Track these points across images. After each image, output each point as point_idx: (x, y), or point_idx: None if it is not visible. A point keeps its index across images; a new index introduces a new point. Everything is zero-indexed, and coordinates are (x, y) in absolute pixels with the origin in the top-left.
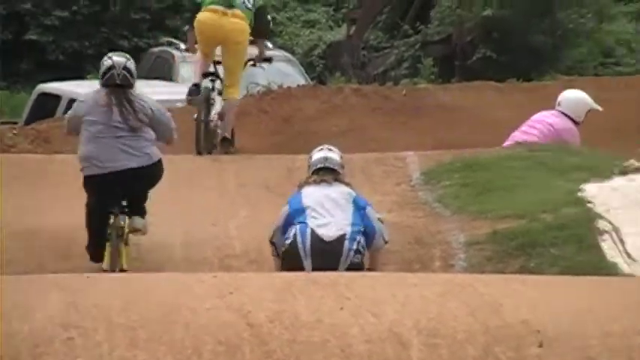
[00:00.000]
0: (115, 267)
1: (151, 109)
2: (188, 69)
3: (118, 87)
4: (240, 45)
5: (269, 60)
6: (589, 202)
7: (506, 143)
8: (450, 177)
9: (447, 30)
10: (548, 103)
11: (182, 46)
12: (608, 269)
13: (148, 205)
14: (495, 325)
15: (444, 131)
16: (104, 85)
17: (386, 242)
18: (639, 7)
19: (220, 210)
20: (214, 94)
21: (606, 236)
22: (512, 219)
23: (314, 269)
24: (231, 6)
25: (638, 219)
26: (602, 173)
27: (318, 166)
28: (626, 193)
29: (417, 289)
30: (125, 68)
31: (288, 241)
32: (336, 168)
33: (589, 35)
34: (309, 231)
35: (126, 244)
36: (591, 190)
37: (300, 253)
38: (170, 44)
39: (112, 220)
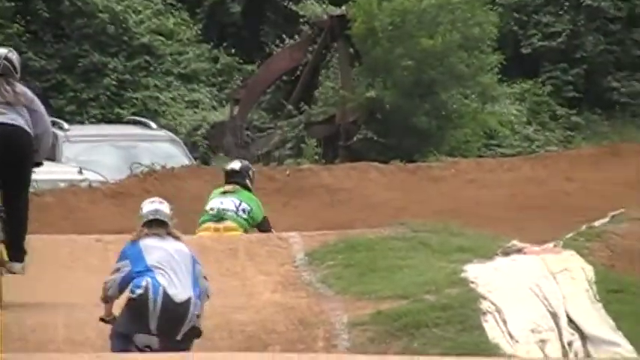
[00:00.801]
0: None
1: (32, 98)
2: (72, 149)
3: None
4: None
5: None
6: (472, 283)
7: None
8: (333, 257)
9: (330, 111)
10: (432, 184)
11: (65, 125)
12: (490, 350)
13: (31, 285)
14: None
15: (328, 212)
16: None
17: (208, 297)
18: (523, 89)
19: None
20: None
21: (489, 317)
22: (396, 299)
23: (158, 327)
24: (221, 219)
25: (521, 300)
26: (485, 254)
27: (150, 217)
28: (509, 274)
29: None
30: (6, 59)
31: (139, 291)
32: (166, 220)
33: (473, 116)
34: (161, 289)
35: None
36: (474, 270)
37: (150, 308)
38: (53, 124)
39: None
